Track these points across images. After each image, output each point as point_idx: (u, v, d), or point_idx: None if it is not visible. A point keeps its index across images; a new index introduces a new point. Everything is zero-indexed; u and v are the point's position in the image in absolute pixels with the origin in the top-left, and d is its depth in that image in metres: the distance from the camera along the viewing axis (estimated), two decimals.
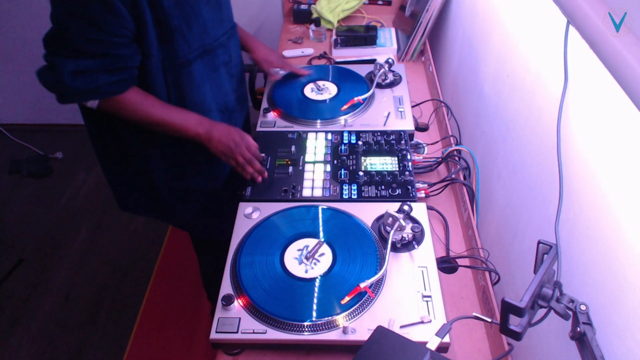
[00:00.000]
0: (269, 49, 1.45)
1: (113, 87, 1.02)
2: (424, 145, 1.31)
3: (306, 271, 0.93)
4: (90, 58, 0.97)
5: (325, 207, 1.07)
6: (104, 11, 0.93)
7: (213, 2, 1.12)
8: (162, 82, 1.09)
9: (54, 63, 0.97)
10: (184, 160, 1.23)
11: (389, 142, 1.23)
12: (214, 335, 0.85)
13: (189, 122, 1.11)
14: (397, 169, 1.16)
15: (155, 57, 1.05)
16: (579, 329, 0.60)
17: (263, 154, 1.18)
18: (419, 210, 1.05)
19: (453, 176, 1.20)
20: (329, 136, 1.27)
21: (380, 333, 0.74)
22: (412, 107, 1.40)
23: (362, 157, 1.20)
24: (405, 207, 0.98)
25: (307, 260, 0.95)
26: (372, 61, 1.50)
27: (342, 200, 1.10)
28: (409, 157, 1.18)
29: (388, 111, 1.33)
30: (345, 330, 0.84)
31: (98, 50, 0.97)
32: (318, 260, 0.95)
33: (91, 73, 0.98)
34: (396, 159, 1.18)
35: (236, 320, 0.86)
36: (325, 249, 0.97)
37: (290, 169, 1.17)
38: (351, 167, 1.17)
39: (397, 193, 1.10)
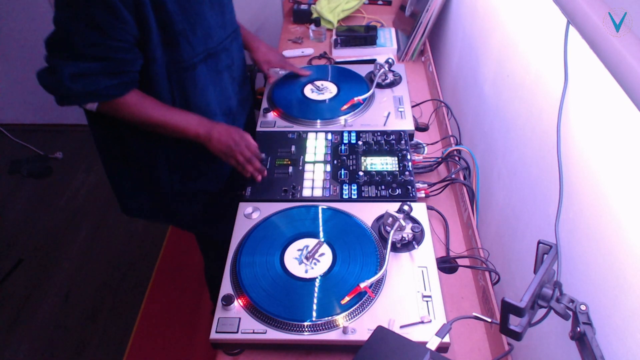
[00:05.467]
0: (269, 48, 1.45)
1: (113, 90, 1.02)
2: (424, 145, 1.31)
3: (306, 271, 0.93)
4: (91, 61, 0.98)
5: (325, 207, 1.07)
6: (107, 15, 0.93)
7: (216, 5, 1.12)
8: (167, 86, 1.09)
9: (55, 65, 0.97)
10: (188, 162, 1.23)
11: (389, 142, 1.23)
12: (214, 335, 0.85)
13: (189, 122, 1.11)
14: (397, 169, 1.16)
15: (160, 61, 1.05)
16: (579, 329, 0.60)
17: (263, 154, 1.18)
18: (419, 210, 1.05)
19: (453, 176, 1.20)
20: (329, 136, 1.27)
21: (380, 333, 0.74)
22: (412, 107, 1.40)
23: (362, 157, 1.19)
24: (405, 207, 0.98)
25: (307, 260, 0.95)
26: (372, 61, 1.50)
27: (342, 200, 1.10)
28: (409, 157, 1.18)
29: (388, 111, 1.33)
30: (345, 330, 0.84)
31: (100, 54, 0.98)
32: (318, 260, 0.95)
33: (92, 76, 0.99)
34: (396, 159, 1.18)
35: (236, 320, 0.86)
36: (325, 249, 0.97)
37: (290, 169, 1.17)
38: (351, 167, 1.17)
39: (397, 193, 1.10)
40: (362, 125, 1.30)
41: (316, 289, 0.90)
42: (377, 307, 0.87)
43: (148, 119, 1.08)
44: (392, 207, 0.99)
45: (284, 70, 1.46)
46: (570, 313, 0.63)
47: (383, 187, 1.11)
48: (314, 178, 1.15)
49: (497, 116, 1.12)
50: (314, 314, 0.86)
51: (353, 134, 1.26)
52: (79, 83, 0.98)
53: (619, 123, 0.61)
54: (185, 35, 1.05)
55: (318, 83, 1.44)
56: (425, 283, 0.91)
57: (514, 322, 0.64)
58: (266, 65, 1.43)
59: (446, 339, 0.77)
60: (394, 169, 1.16)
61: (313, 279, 0.92)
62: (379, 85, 1.42)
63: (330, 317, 0.85)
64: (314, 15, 1.91)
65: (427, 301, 0.88)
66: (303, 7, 1.95)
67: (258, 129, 1.31)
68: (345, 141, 1.25)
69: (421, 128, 1.42)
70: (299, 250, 0.98)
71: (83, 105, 1.05)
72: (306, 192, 1.12)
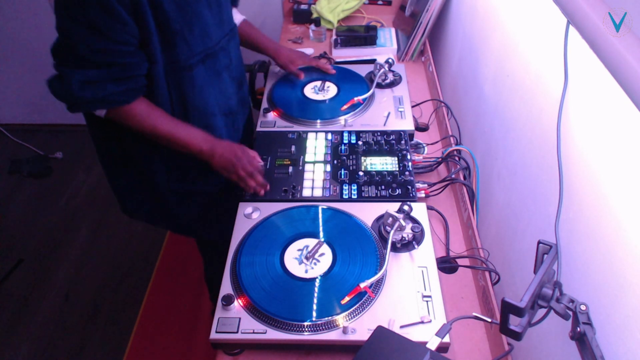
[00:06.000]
0: (289, 50, 1.49)
1: (121, 96, 1.02)
2: (424, 145, 1.31)
3: (306, 271, 0.93)
4: (97, 68, 0.98)
5: (325, 207, 1.07)
6: (105, 17, 0.93)
7: (214, 4, 1.12)
8: (165, 86, 1.09)
9: (63, 73, 0.98)
10: (186, 163, 1.23)
11: (389, 142, 1.23)
12: (214, 335, 0.85)
13: (194, 138, 1.11)
14: (397, 169, 1.16)
15: (159, 62, 1.05)
16: (579, 329, 0.60)
17: (262, 163, 1.16)
18: (419, 210, 1.05)
19: (453, 176, 1.20)
20: (329, 136, 1.27)
21: (380, 333, 0.74)
22: (412, 107, 1.40)
23: (362, 157, 1.19)
24: (405, 207, 0.98)
25: (307, 260, 0.95)
26: (372, 61, 1.50)
27: (342, 200, 1.10)
28: (409, 157, 1.18)
29: (388, 111, 1.33)
30: (345, 330, 0.84)
31: (105, 60, 0.98)
32: (318, 260, 0.95)
33: (99, 83, 0.99)
34: (396, 159, 1.18)
35: (236, 320, 0.86)
36: (325, 249, 0.97)
37: (290, 169, 1.17)
38: (351, 167, 1.17)
39: (397, 193, 1.10)
40: (362, 125, 1.30)
41: (316, 289, 0.90)
42: (377, 307, 0.87)
43: (153, 130, 1.08)
44: (392, 207, 0.99)
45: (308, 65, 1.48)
46: (570, 313, 0.63)
47: (383, 187, 1.11)
48: (314, 178, 1.15)
49: (497, 116, 1.12)
50: (314, 314, 0.86)
51: (353, 134, 1.26)
52: (87, 90, 0.98)
53: (619, 123, 0.61)
54: (182, 35, 1.04)
55: (320, 83, 1.44)
56: (425, 283, 0.91)
57: (514, 322, 0.64)
58: (292, 66, 1.44)
59: (446, 339, 0.77)
60: (394, 169, 1.16)
61: (313, 279, 0.92)
62: (379, 85, 1.42)
63: (330, 317, 0.85)
64: (314, 15, 1.91)
65: (427, 301, 0.88)
66: (303, 7, 1.95)
67: (258, 129, 1.31)
68: (345, 141, 1.25)
69: (421, 128, 1.42)
70: (299, 250, 0.98)
71: (93, 112, 1.06)
72: (306, 192, 1.12)
